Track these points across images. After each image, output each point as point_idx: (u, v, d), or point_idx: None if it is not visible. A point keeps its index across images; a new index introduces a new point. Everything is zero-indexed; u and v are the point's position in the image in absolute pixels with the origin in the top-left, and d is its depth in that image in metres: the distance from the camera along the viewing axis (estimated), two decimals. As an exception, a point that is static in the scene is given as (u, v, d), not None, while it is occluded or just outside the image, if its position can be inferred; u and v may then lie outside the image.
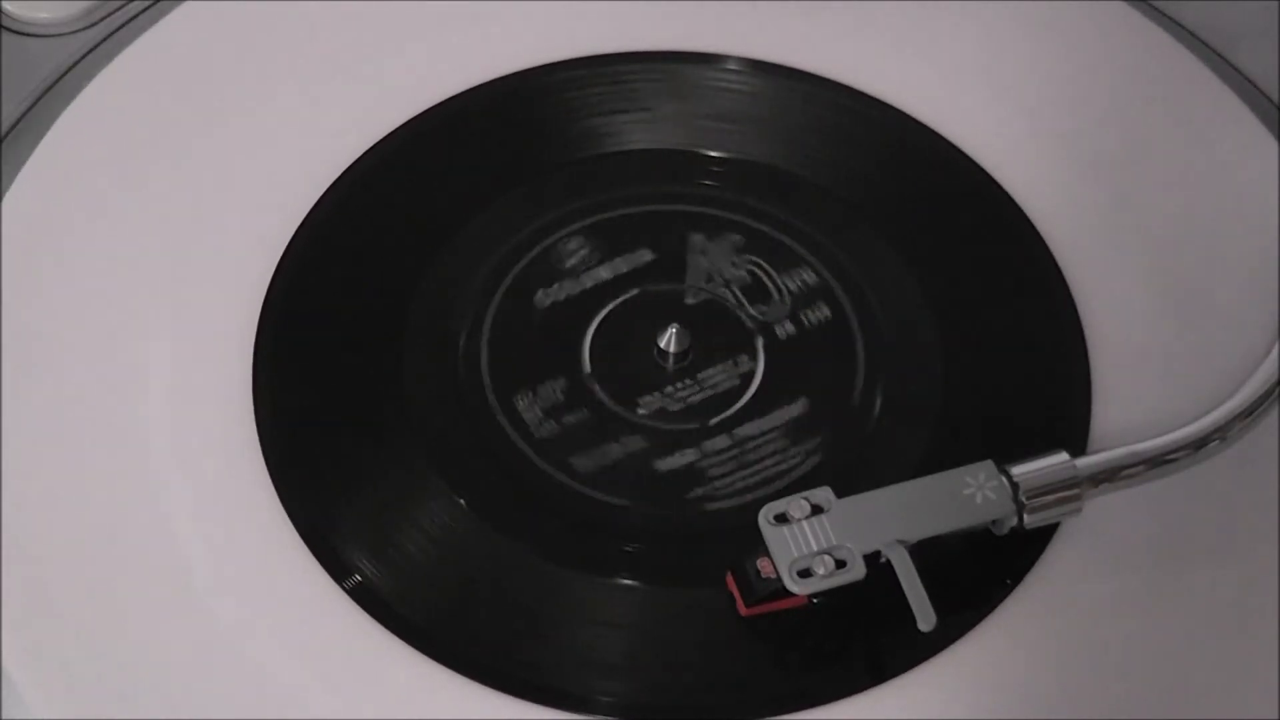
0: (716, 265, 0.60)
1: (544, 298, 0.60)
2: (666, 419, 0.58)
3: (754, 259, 0.60)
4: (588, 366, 0.59)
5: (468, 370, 0.59)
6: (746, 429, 0.57)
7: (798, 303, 0.59)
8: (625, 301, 0.60)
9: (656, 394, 0.58)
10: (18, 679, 0.52)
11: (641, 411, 0.58)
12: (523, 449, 0.57)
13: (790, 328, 0.59)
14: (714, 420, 0.58)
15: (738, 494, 0.56)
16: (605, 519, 0.56)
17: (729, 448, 0.57)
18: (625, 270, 0.61)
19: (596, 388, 0.58)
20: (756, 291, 0.60)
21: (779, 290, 0.59)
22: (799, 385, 0.58)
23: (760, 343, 0.59)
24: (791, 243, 0.61)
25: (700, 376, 0.58)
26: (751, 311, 0.59)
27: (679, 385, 0.58)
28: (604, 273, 0.60)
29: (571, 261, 0.60)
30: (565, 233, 0.61)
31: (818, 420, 0.57)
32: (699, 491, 0.56)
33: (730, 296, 0.60)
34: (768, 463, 0.56)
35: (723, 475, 0.56)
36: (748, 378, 0.58)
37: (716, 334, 0.59)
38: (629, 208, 0.62)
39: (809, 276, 0.60)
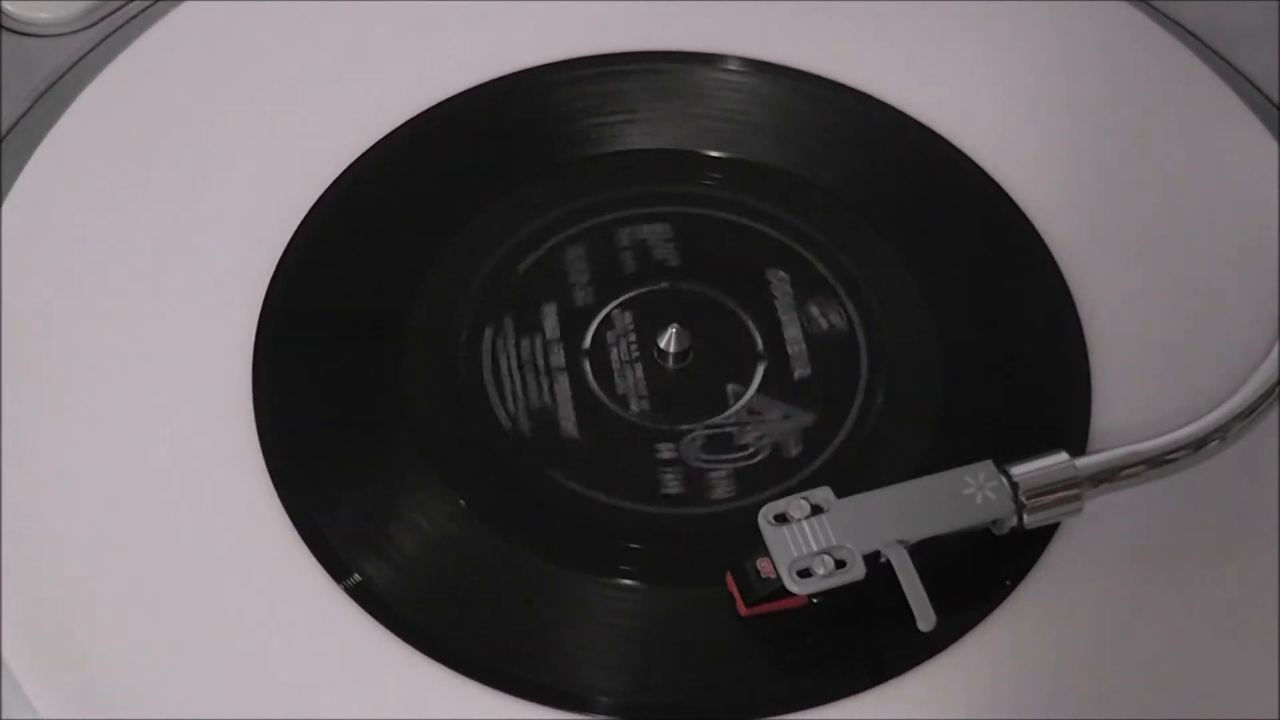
0: (766, 425, 0.58)
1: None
2: (599, 369, 0.58)
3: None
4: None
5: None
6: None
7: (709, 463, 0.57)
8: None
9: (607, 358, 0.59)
10: (18, 679, 0.52)
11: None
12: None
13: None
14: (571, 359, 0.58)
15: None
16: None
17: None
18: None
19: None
20: (720, 443, 0.57)
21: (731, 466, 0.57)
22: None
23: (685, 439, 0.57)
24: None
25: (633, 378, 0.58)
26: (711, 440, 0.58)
27: (625, 349, 0.59)
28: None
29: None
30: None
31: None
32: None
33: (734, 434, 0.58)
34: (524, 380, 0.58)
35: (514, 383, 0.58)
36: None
37: (692, 395, 0.58)
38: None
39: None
